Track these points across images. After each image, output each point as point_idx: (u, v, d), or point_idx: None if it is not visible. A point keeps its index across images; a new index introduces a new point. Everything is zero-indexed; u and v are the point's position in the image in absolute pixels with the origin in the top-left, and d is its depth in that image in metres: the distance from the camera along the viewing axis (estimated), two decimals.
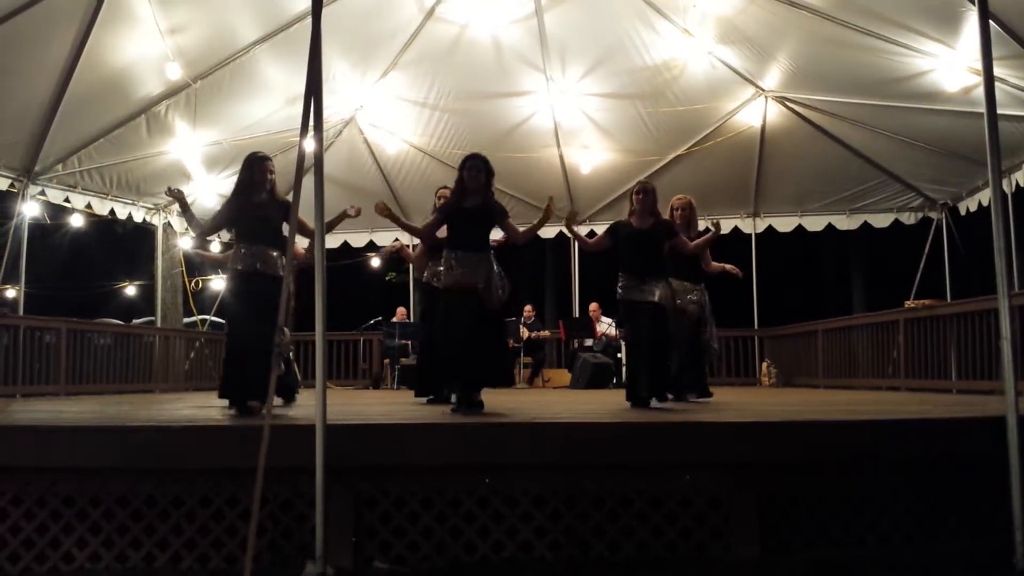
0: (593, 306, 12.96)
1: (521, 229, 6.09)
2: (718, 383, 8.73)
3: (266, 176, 5.57)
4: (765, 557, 3.89)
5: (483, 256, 5.54)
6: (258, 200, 5.54)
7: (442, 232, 5.88)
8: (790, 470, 4.00)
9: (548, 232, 13.40)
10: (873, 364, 10.08)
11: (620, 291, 6.00)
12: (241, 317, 5.34)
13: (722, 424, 4.31)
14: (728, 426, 4.27)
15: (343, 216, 5.88)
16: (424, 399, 6.86)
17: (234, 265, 5.50)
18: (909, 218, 12.64)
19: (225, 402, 5.49)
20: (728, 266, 7.40)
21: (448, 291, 5.54)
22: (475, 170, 5.61)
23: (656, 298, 5.85)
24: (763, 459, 4.01)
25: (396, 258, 6.37)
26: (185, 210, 5.99)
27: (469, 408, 5.37)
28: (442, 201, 6.30)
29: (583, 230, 13.43)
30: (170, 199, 6.16)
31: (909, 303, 9.85)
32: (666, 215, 6.78)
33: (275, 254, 5.46)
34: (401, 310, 13.89)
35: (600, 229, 12.97)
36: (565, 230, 6.26)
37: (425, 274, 6.61)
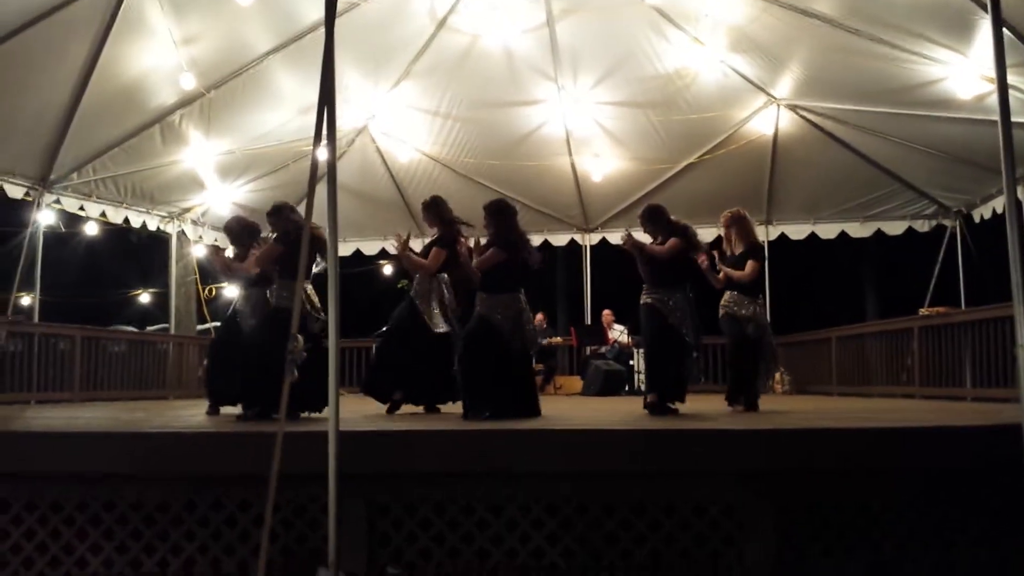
0: (606, 313, 12.94)
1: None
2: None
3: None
4: (780, 565, 3.87)
5: (516, 296, 5.80)
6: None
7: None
8: (805, 478, 3.98)
9: (560, 240, 13.40)
10: (887, 372, 10.01)
11: (643, 297, 6.21)
12: (278, 351, 5.30)
13: (736, 432, 4.29)
14: (742, 434, 4.26)
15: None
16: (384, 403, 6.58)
17: (275, 302, 5.73)
18: (923, 225, 12.57)
19: (236, 410, 5.63)
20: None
21: (485, 323, 5.70)
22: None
23: (671, 316, 6.06)
24: (777, 467, 3.98)
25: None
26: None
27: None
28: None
29: (595, 238, 13.47)
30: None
31: (923, 311, 9.78)
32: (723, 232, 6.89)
33: (310, 289, 5.75)
34: None
35: (611, 237, 13.08)
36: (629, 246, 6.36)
37: (415, 288, 6.56)
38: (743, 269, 6.65)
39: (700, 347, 6.68)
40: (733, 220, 6.88)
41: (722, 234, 6.92)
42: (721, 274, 6.69)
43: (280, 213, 5.95)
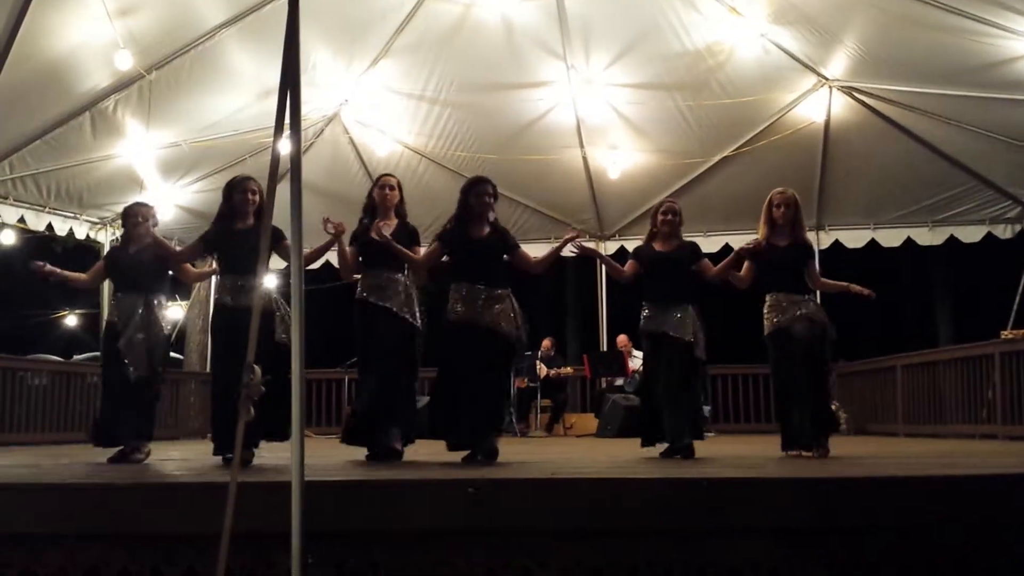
0: (621, 339, 12.94)
1: (535, 257, 6.50)
2: (768, 430, 8.62)
3: (247, 199, 5.89)
4: None
5: (501, 293, 5.94)
6: (243, 227, 5.91)
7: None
8: (865, 536, 3.96)
9: (570, 251, 13.39)
10: (964, 407, 10.00)
11: (643, 321, 6.47)
12: (230, 358, 5.43)
13: (783, 480, 4.28)
14: (790, 482, 4.23)
15: (328, 245, 6.11)
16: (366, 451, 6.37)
17: (219, 298, 5.93)
18: (1004, 231, 12.60)
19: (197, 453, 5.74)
20: (853, 286, 6.72)
21: (458, 329, 5.88)
22: (484, 195, 6.04)
23: (679, 333, 6.30)
24: (832, 522, 3.96)
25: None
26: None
27: (486, 457, 5.73)
28: (384, 192, 6.37)
29: (612, 247, 13.47)
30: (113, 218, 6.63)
31: (1006, 333, 9.77)
32: (765, 213, 6.69)
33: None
34: None
35: (632, 245, 13.06)
36: (590, 252, 6.66)
37: (359, 290, 6.34)
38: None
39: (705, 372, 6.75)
40: (796, 203, 6.68)
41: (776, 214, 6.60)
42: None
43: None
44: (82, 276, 6.89)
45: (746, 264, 6.60)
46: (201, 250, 6.57)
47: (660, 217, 6.59)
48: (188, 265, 6.70)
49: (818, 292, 6.76)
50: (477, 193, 6.03)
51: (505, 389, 6.51)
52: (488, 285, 5.91)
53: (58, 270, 6.71)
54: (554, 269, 6.32)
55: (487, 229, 6.05)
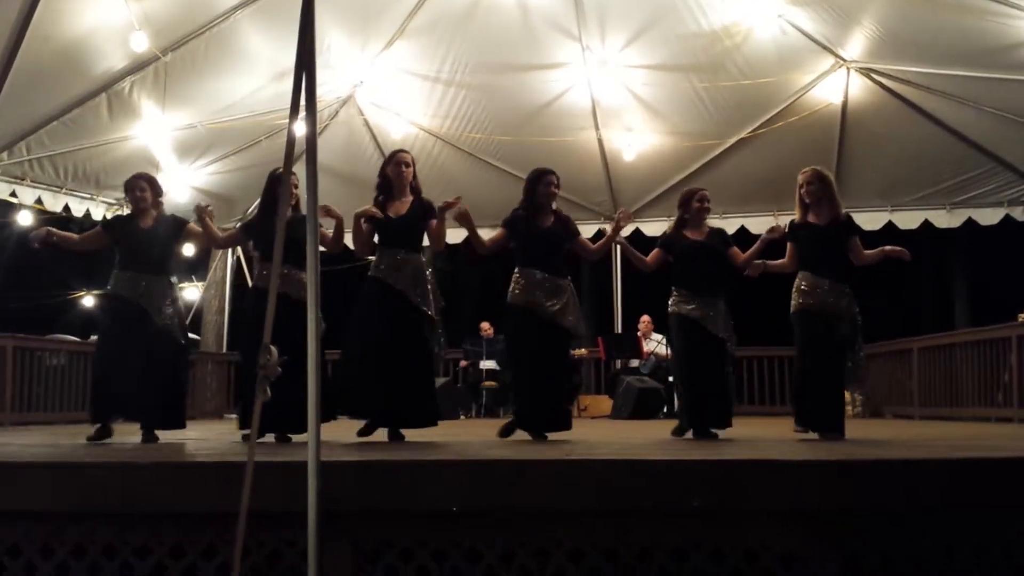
0: (644, 319, 12.92)
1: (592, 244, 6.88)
2: (787, 412, 8.56)
3: (292, 192, 6.03)
4: None
5: (563, 283, 6.27)
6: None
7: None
8: (881, 520, 3.95)
9: (584, 231, 13.34)
10: (980, 390, 9.97)
11: (671, 305, 6.54)
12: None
13: (797, 463, 4.26)
14: (805, 465, 4.22)
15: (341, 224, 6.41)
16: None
17: (257, 284, 6.17)
18: (1023, 213, 12.51)
19: (211, 433, 5.82)
20: (888, 248, 6.45)
21: (518, 311, 6.20)
22: (551, 186, 6.44)
23: (714, 328, 6.38)
24: (848, 506, 3.96)
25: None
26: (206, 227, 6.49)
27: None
28: (399, 169, 6.32)
29: (628, 230, 13.43)
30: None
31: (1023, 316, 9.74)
32: (797, 195, 6.56)
33: (302, 275, 5.73)
34: None
35: (647, 228, 13.07)
36: (616, 240, 6.83)
37: (374, 266, 6.26)
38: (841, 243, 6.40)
39: (735, 362, 6.81)
40: (822, 179, 6.54)
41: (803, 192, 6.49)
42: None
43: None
44: (73, 236, 6.68)
45: (788, 248, 6.47)
46: (240, 239, 6.93)
47: (696, 204, 6.68)
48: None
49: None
50: (546, 183, 6.40)
51: (568, 378, 6.89)
52: (550, 273, 6.19)
53: (44, 234, 6.39)
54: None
55: (552, 218, 6.37)
